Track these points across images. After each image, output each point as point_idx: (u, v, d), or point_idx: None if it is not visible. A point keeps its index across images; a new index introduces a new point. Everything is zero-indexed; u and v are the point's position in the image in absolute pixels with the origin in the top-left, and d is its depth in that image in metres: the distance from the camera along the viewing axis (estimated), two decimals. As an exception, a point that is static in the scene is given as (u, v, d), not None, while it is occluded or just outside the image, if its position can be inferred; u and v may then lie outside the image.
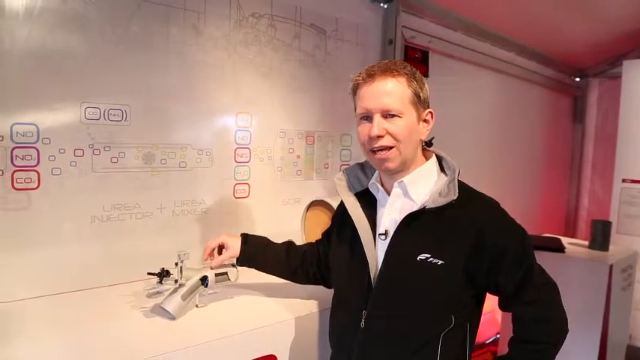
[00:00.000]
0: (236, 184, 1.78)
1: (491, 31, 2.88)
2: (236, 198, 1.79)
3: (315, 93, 2.00)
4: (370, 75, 1.07)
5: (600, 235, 2.60)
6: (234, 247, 1.35)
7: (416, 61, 2.44)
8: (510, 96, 3.31)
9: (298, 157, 1.97)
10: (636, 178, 3.37)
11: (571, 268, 2.40)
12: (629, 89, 3.43)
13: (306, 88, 1.96)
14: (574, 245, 2.69)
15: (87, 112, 1.40)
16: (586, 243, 2.69)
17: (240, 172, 1.79)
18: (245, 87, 1.76)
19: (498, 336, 2.83)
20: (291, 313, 1.33)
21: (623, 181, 3.42)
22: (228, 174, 1.75)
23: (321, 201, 1.78)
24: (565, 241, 2.72)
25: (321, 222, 1.76)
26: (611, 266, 2.34)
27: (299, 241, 1.80)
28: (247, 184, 1.81)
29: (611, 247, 2.61)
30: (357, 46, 2.14)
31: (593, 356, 2.34)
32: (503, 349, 2.75)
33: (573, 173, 4.18)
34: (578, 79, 4.08)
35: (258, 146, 1.83)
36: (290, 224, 1.87)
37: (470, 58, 2.81)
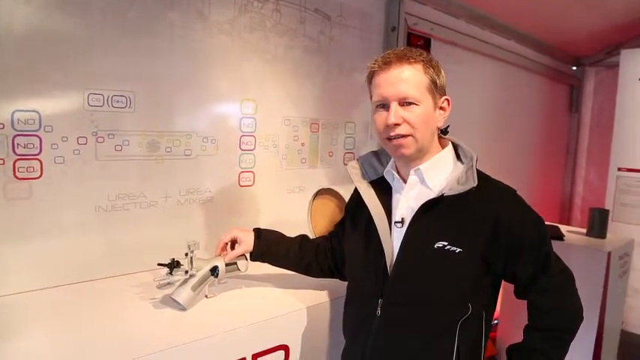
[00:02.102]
0: (241, 172, 1.75)
1: (491, 18, 2.86)
2: (241, 186, 1.76)
3: (319, 80, 1.96)
4: (386, 62, 1.04)
5: (598, 223, 2.62)
6: (247, 241, 1.33)
7: (418, 48, 2.41)
8: (507, 84, 3.31)
9: (303, 144, 1.94)
10: (632, 167, 3.41)
11: (570, 255, 2.41)
12: (626, 78, 3.44)
13: (311, 74, 1.93)
14: (572, 233, 2.71)
15: (90, 99, 1.36)
16: (583, 230, 2.71)
17: (245, 160, 1.76)
18: (249, 73, 1.73)
19: (496, 322, 2.86)
20: (303, 302, 1.32)
21: (619, 169, 3.45)
22: (233, 162, 1.72)
23: (328, 189, 1.75)
24: (562, 228, 2.74)
25: (328, 211, 1.74)
26: (609, 253, 2.37)
27: (306, 230, 1.78)
28: (252, 172, 1.78)
29: (607, 235, 2.64)
30: (360, 33, 2.11)
31: (590, 341, 2.38)
32: (502, 335, 2.79)
33: (569, 161, 4.22)
34: (574, 68, 4.09)
35: (263, 134, 1.80)
36: (295, 213, 1.86)
37: (470, 45, 2.79)
